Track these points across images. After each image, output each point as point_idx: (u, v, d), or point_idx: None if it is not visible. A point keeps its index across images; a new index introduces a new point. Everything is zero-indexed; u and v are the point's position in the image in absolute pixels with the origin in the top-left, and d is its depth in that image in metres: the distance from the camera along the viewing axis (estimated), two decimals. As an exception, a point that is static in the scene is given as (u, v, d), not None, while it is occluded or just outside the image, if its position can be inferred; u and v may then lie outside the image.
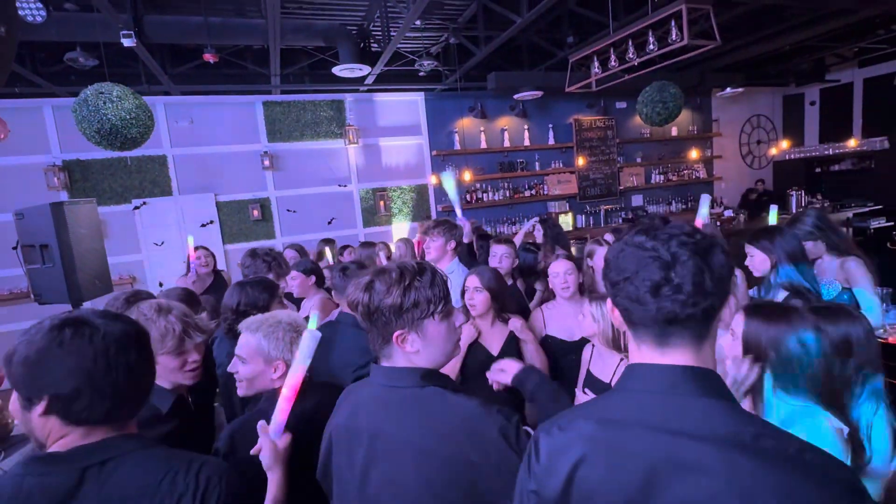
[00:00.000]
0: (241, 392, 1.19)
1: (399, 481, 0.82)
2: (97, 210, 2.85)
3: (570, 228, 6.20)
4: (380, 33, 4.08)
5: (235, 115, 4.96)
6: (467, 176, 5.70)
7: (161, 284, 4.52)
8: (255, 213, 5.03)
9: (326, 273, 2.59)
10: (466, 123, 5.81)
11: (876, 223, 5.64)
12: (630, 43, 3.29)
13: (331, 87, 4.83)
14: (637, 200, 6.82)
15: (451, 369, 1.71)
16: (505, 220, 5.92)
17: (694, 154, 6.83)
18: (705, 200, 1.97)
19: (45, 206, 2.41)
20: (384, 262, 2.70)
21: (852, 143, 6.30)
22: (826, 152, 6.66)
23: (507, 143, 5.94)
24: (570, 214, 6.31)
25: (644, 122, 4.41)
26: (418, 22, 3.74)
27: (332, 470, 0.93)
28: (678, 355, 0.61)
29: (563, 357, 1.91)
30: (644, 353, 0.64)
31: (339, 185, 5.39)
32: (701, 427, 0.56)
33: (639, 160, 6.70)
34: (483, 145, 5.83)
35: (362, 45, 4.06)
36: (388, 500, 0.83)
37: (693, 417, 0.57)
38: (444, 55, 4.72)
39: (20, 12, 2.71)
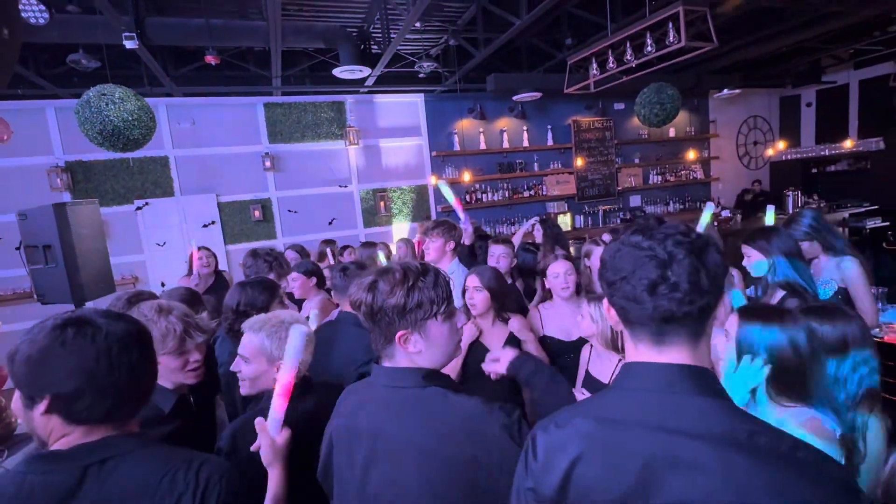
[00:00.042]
0: (243, 391, 1.21)
1: (400, 481, 0.82)
2: (99, 211, 2.87)
3: (569, 229, 6.22)
4: (380, 35, 4.10)
5: (237, 116, 4.98)
6: (467, 177, 5.72)
7: (163, 284, 4.55)
8: (257, 213, 5.05)
9: (327, 273, 2.60)
10: (466, 124, 5.83)
11: (872, 223, 5.68)
12: (628, 45, 3.32)
13: (331, 89, 4.85)
14: (635, 201, 6.85)
15: (452, 369, 1.71)
16: (504, 220, 5.94)
17: (691, 155, 6.87)
18: (709, 209, 1.97)
19: (48, 206, 2.43)
20: (384, 262, 2.72)
21: (848, 144, 6.34)
22: (822, 153, 6.70)
23: (506, 144, 5.97)
24: (568, 215, 6.34)
25: (642, 123, 4.44)
26: (418, 24, 3.76)
27: (333, 470, 0.93)
28: (675, 354, 0.62)
29: (561, 357, 1.92)
30: (641, 351, 0.64)
31: (340, 186, 5.42)
32: (697, 425, 0.56)
33: (637, 161, 6.73)
34: (482, 146, 5.86)
35: (362, 46, 4.08)
36: (389, 500, 0.83)
37: (689, 416, 0.58)
38: (443, 57, 4.74)
39: (23, 14, 2.73)
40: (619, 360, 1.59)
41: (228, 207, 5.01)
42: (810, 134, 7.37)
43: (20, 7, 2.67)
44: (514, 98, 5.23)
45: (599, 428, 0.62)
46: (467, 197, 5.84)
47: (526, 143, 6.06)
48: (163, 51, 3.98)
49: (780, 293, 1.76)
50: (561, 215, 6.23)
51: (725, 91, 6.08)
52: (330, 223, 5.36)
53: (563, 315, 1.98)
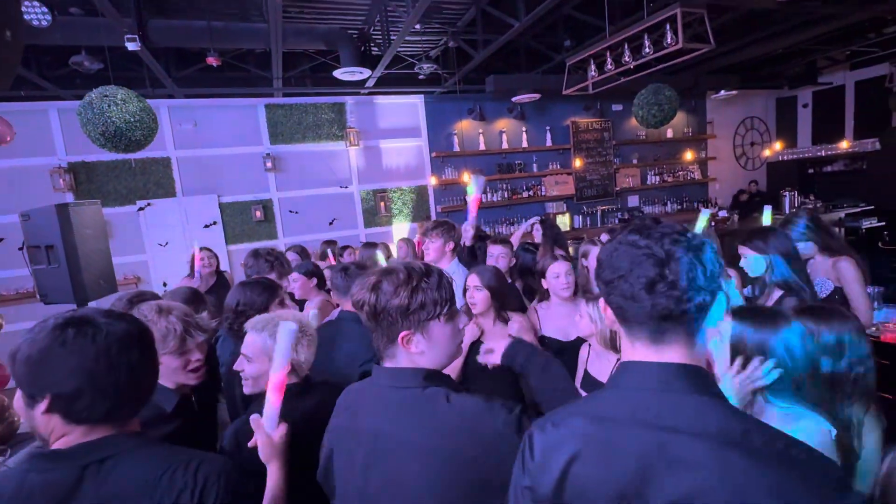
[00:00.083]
0: (246, 390, 1.21)
1: (401, 481, 0.81)
2: (102, 211, 2.87)
3: (568, 229, 6.25)
4: (380, 37, 4.12)
5: (238, 117, 5.00)
6: (466, 177, 5.75)
7: (165, 284, 4.56)
8: (258, 214, 5.07)
9: (327, 273, 2.62)
10: (465, 125, 5.86)
11: (868, 223, 5.72)
12: (626, 46, 3.35)
13: (332, 90, 4.88)
14: (633, 201, 6.88)
15: (453, 369, 1.71)
16: (503, 220, 5.97)
17: (689, 155, 6.91)
18: (704, 214, 1.99)
19: (51, 207, 2.43)
20: (383, 263, 2.73)
21: (844, 145, 6.39)
22: (818, 154, 6.75)
23: (505, 145, 6.00)
24: (567, 215, 6.37)
25: (640, 124, 4.47)
26: (418, 26, 3.79)
27: (333, 470, 0.93)
28: (672, 352, 0.62)
29: (559, 357, 1.92)
30: (638, 350, 0.64)
31: (341, 187, 5.44)
32: (693, 424, 0.57)
33: (635, 161, 6.76)
34: (482, 147, 5.88)
35: (363, 48, 4.11)
36: (390, 500, 0.82)
37: (685, 414, 0.58)
38: (443, 58, 4.77)
39: (26, 17, 2.74)
40: (618, 360, 1.59)
41: (230, 208, 5.03)
42: (807, 135, 7.41)
43: (23, 9, 2.69)
44: (513, 99, 5.26)
45: (596, 426, 0.62)
46: (466, 198, 5.85)
47: (525, 144, 6.08)
48: (165, 52, 4.00)
49: (778, 293, 1.77)
50: (560, 216, 6.26)
51: (722, 92, 6.11)
52: (331, 223, 5.39)
53: (560, 315, 1.99)
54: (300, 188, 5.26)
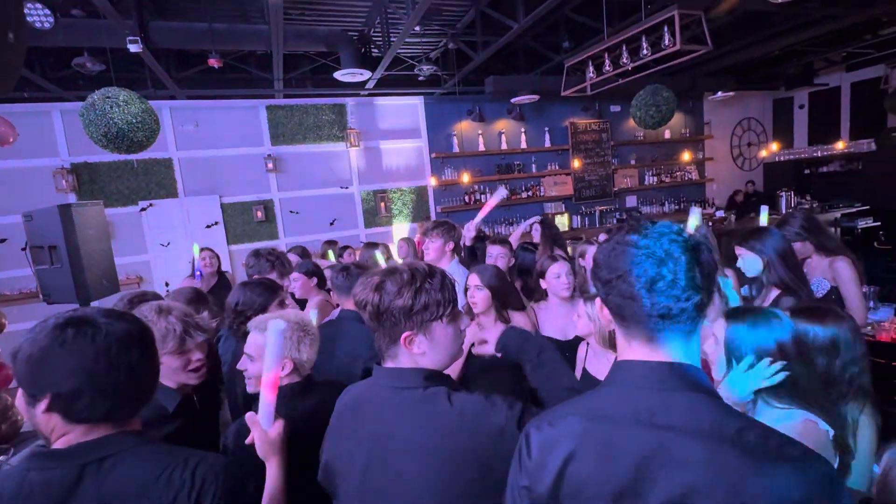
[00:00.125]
0: (250, 389, 1.21)
1: (401, 481, 0.81)
2: (104, 212, 2.88)
3: (566, 229, 6.28)
4: (380, 39, 4.15)
5: (239, 118, 5.02)
6: (466, 178, 5.78)
7: (167, 284, 4.58)
8: (259, 214, 5.09)
9: (328, 273, 2.64)
10: (465, 126, 5.89)
11: (863, 223, 5.76)
12: (624, 48, 3.37)
13: (332, 92, 4.90)
14: (631, 201, 6.92)
15: (454, 370, 1.71)
16: (502, 220, 6.00)
17: (686, 156, 6.95)
18: (694, 213, 2.01)
19: (54, 207, 2.44)
20: (382, 263, 2.75)
21: (840, 146, 6.43)
22: (815, 154, 6.79)
23: (504, 146, 6.03)
24: (566, 215, 6.40)
25: (638, 125, 4.49)
26: (418, 28, 3.81)
27: (334, 470, 0.93)
28: (668, 351, 0.62)
29: (557, 356, 1.95)
30: (634, 349, 0.64)
31: (341, 187, 5.46)
32: (687, 422, 0.57)
33: (633, 162, 6.80)
34: (481, 148, 5.91)
35: (363, 50, 4.13)
36: (390, 500, 0.82)
37: (680, 412, 0.58)
38: (442, 60, 4.80)
39: (28, 19, 2.76)
40: (616, 358, 1.61)
41: (231, 208, 5.05)
42: (803, 135, 7.45)
43: (26, 11, 2.71)
44: (513, 100, 5.29)
45: (592, 425, 0.62)
46: (466, 198, 5.89)
47: (524, 145, 6.12)
48: (166, 54, 4.01)
49: (775, 292, 1.79)
50: (558, 216, 6.29)
51: (720, 93, 6.15)
52: (331, 224, 5.41)
53: (558, 315, 2.01)
54: (301, 189, 5.29)
